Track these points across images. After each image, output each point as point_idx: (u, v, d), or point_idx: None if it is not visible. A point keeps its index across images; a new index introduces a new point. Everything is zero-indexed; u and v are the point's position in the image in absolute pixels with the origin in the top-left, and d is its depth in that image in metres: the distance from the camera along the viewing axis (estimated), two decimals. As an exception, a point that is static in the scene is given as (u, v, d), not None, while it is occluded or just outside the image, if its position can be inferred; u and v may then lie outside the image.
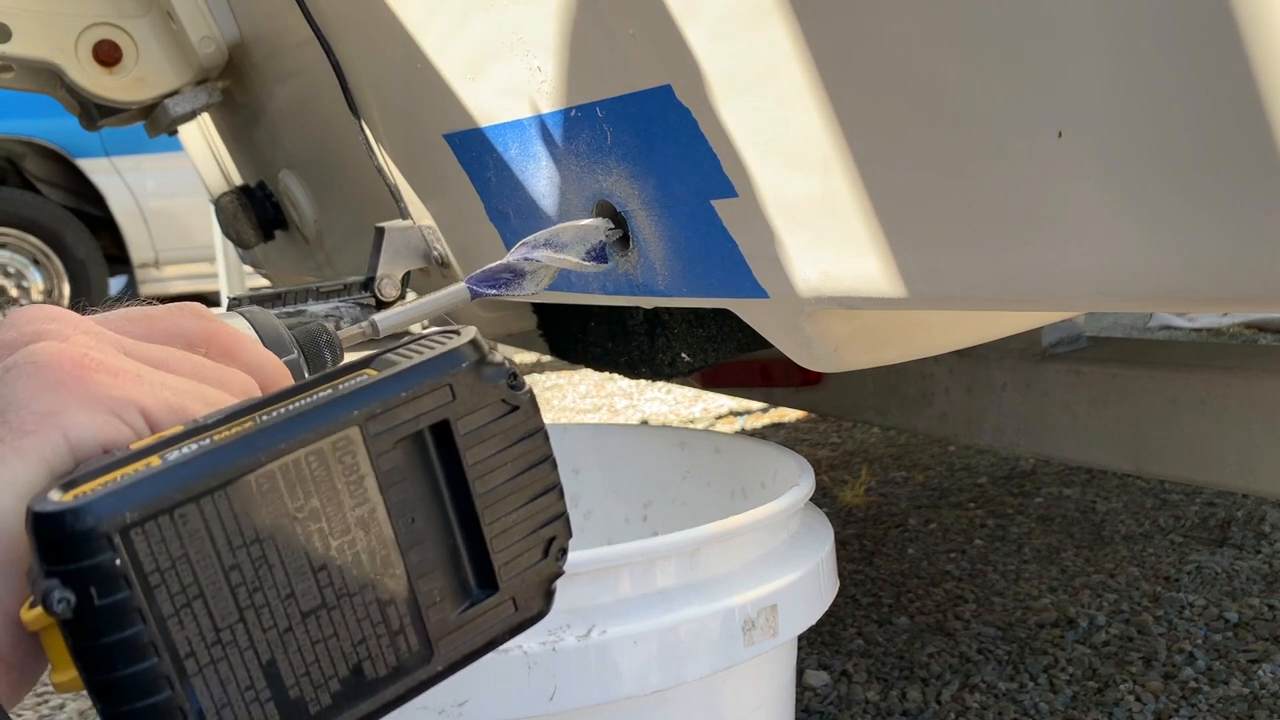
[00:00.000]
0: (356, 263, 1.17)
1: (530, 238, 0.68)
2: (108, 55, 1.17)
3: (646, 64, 0.65)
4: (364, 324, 0.59)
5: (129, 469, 0.30)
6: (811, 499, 0.78)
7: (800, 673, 1.31)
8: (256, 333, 0.46)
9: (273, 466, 0.31)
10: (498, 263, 0.67)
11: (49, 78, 1.19)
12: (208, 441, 0.31)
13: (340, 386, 0.34)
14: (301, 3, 0.95)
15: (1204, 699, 1.20)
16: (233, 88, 1.28)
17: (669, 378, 1.21)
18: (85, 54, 1.17)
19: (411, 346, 0.36)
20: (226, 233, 1.42)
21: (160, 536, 0.29)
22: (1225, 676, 1.25)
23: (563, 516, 0.38)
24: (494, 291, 0.67)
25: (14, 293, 3.98)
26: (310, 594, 0.32)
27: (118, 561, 0.29)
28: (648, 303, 0.85)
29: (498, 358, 0.36)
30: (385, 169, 1.00)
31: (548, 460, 0.37)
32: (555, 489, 0.37)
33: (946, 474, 2.04)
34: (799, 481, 0.75)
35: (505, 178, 0.84)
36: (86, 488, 0.29)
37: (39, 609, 0.29)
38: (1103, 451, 1.11)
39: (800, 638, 1.39)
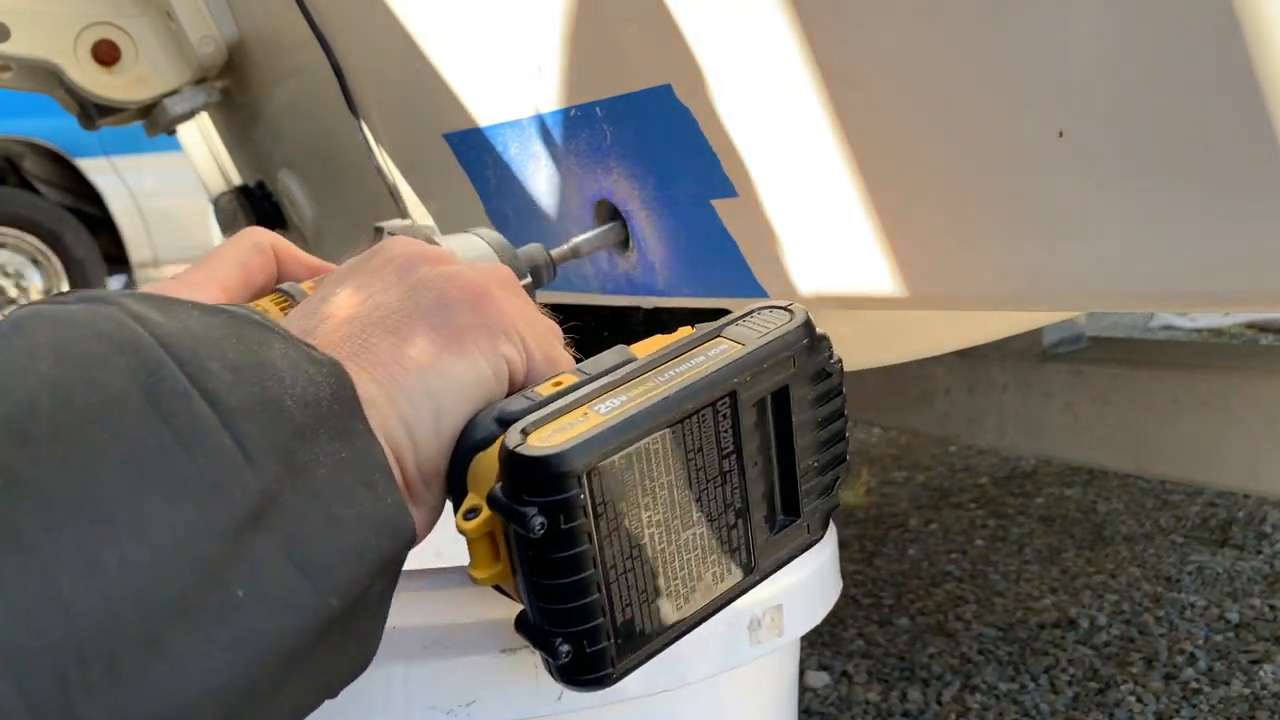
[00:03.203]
0: (356, 263, 1.17)
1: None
2: (107, 55, 1.17)
3: (646, 64, 0.65)
4: (567, 247, 0.71)
5: (570, 417, 0.38)
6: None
7: (801, 673, 1.31)
8: (496, 254, 0.55)
9: (679, 425, 0.39)
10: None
11: (48, 77, 1.18)
12: (626, 399, 0.38)
13: (714, 358, 0.41)
14: (301, 2, 0.95)
15: (1205, 699, 1.20)
16: (232, 87, 1.28)
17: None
18: (84, 53, 1.17)
19: (754, 321, 0.43)
20: (226, 232, 1.42)
21: (605, 477, 0.37)
22: (1226, 677, 1.24)
23: (845, 460, 0.45)
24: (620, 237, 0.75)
25: (13, 292, 3.98)
26: (689, 520, 0.40)
27: (581, 496, 0.36)
28: (648, 303, 0.84)
29: (822, 333, 0.43)
30: (385, 169, 1.00)
31: (844, 415, 0.45)
32: (845, 439, 0.45)
33: (947, 474, 2.03)
34: None
35: (505, 177, 0.84)
36: (544, 431, 0.37)
37: (477, 520, 0.37)
38: (1104, 452, 1.11)
39: (801, 638, 1.39)
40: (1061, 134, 0.47)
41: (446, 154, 0.90)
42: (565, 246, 0.71)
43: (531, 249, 0.62)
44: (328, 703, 0.34)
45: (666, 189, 0.69)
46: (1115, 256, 0.48)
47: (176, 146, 1.69)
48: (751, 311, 0.44)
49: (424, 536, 0.39)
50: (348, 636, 0.33)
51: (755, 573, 0.43)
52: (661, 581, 0.39)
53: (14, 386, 0.27)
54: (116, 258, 4.21)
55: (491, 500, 0.37)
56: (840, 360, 0.44)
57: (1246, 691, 1.21)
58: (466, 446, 0.39)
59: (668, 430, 0.38)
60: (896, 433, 2.24)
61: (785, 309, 0.43)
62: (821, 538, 0.45)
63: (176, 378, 0.29)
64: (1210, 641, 1.33)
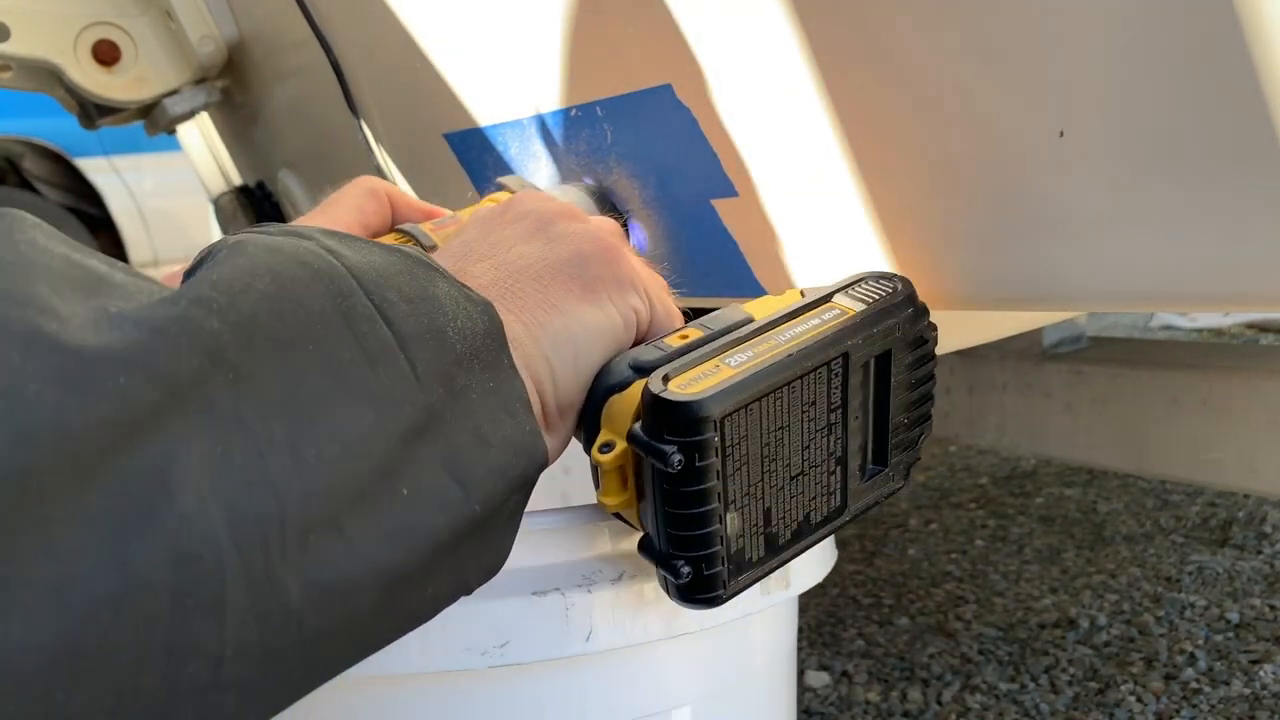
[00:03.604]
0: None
1: None
2: (107, 54, 1.17)
3: (646, 63, 0.65)
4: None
5: (706, 368, 0.42)
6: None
7: (801, 673, 1.31)
8: (596, 207, 0.63)
9: (800, 377, 0.43)
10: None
11: (48, 77, 1.18)
12: (752, 354, 0.42)
13: (828, 322, 0.44)
14: (301, 2, 0.95)
15: (1205, 700, 1.20)
16: (231, 87, 1.28)
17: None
18: (84, 53, 1.17)
19: (863, 289, 0.46)
20: (225, 232, 1.42)
21: (735, 423, 0.41)
22: (1227, 677, 1.24)
23: (930, 419, 0.50)
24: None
25: (14, 292, 3.97)
26: (797, 464, 0.44)
27: (715, 439, 0.40)
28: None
29: (924, 302, 0.47)
30: (385, 168, 1.00)
31: (934, 379, 0.49)
32: (932, 400, 0.49)
33: (947, 474, 2.03)
34: None
35: (505, 177, 0.84)
36: (682, 379, 0.41)
37: (612, 454, 0.42)
38: (1104, 452, 1.11)
39: (801, 638, 1.39)
40: (1062, 134, 0.47)
41: (446, 154, 0.90)
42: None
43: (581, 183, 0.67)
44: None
45: (666, 189, 0.69)
46: (1115, 256, 0.48)
47: (176, 146, 1.69)
48: (860, 279, 0.47)
49: (554, 461, 0.43)
50: (486, 540, 0.37)
51: (846, 513, 0.47)
52: (771, 516, 0.44)
53: (241, 300, 0.31)
54: (116, 257, 4.20)
55: (632, 437, 0.41)
56: (936, 328, 0.48)
57: (1247, 691, 1.21)
58: (602, 388, 0.43)
59: (788, 385, 0.42)
60: (896, 433, 2.23)
61: (891, 278, 0.47)
62: (903, 487, 0.50)
63: (365, 304, 0.33)
64: (1210, 641, 1.33)
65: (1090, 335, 1.20)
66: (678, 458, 0.40)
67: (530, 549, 0.49)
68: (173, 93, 1.20)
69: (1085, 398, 1.11)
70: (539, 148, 0.78)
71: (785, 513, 0.45)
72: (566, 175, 0.77)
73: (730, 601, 0.44)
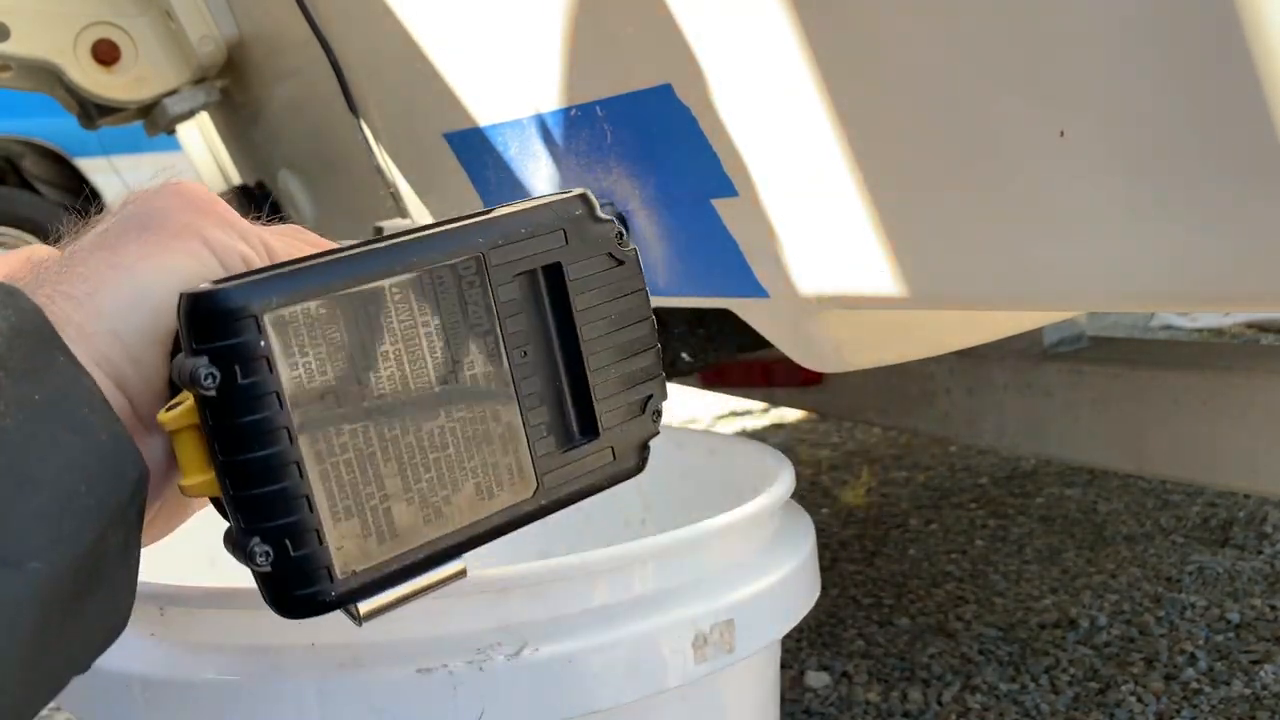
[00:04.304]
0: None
1: None
2: (106, 54, 1.17)
3: (646, 63, 0.65)
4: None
5: (276, 272, 0.32)
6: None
7: (801, 674, 1.31)
8: None
9: (404, 278, 0.33)
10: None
11: (48, 77, 1.18)
12: (345, 253, 0.33)
13: (464, 221, 0.36)
14: (301, 2, 0.95)
15: (1206, 700, 1.20)
16: (231, 87, 1.28)
17: (669, 378, 1.21)
18: (84, 53, 1.17)
19: (529, 201, 0.38)
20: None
21: (300, 328, 0.31)
22: (1227, 677, 1.24)
23: (659, 377, 0.40)
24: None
25: (13, 292, 3.98)
26: (430, 406, 0.34)
27: (262, 343, 0.30)
28: (648, 302, 0.84)
29: (607, 215, 0.38)
30: (385, 169, 1.00)
31: (648, 320, 0.39)
32: (653, 349, 0.40)
33: (948, 474, 2.03)
34: (767, 488, 0.70)
35: (505, 177, 0.84)
36: (236, 283, 0.31)
37: (177, 411, 0.31)
38: (1104, 452, 1.10)
39: (801, 638, 1.39)
40: (1062, 134, 0.47)
41: (446, 154, 0.90)
42: None
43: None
44: None
45: (666, 189, 0.69)
46: (1115, 256, 0.48)
47: (176, 146, 1.69)
48: (536, 197, 0.39)
49: (171, 472, 0.33)
50: (88, 602, 0.28)
51: (539, 495, 0.36)
52: (399, 481, 0.33)
53: None
54: (116, 257, 4.20)
55: (174, 368, 0.31)
56: (634, 249, 0.39)
57: (1247, 692, 1.21)
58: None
59: (385, 284, 0.33)
60: (896, 433, 2.24)
61: (567, 191, 0.39)
62: (636, 469, 0.39)
63: None
64: (1211, 642, 1.33)
65: (1090, 335, 1.20)
66: (208, 372, 0.30)
67: (414, 620, 0.42)
68: (172, 92, 1.20)
69: (1085, 398, 1.11)
70: (539, 148, 0.78)
71: (427, 478, 0.33)
72: (565, 177, 0.77)
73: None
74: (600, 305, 0.38)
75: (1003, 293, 0.55)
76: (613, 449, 0.38)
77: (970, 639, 1.37)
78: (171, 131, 1.35)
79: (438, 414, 0.34)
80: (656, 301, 0.82)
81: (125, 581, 0.30)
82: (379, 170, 1.00)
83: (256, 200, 1.36)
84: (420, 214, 1.00)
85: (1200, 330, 2.97)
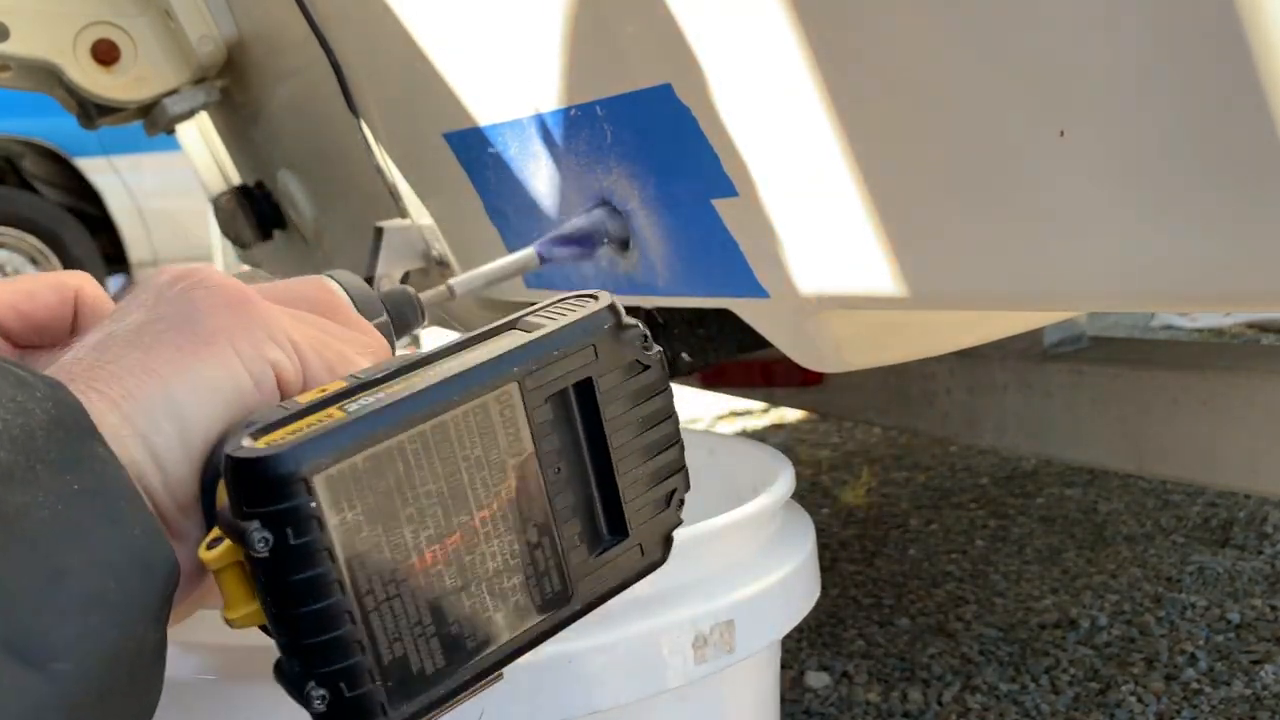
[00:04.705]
0: (355, 262, 1.17)
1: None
2: (106, 54, 1.17)
3: (646, 63, 0.65)
4: (442, 287, 0.65)
5: (314, 419, 0.32)
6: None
7: (801, 674, 1.31)
8: (349, 295, 0.47)
9: (445, 418, 0.33)
10: (572, 222, 0.68)
11: (47, 77, 1.18)
12: (383, 395, 0.33)
13: (496, 346, 0.36)
14: (301, 2, 0.95)
15: (1206, 700, 1.20)
16: (231, 87, 1.28)
17: (669, 378, 1.21)
18: (84, 53, 1.16)
19: (553, 309, 0.38)
20: (225, 232, 1.42)
21: (348, 482, 0.31)
22: (1227, 678, 1.24)
23: (683, 470, 0.40)
24: (566, 252, 0.69)
25: (13, 292, 3.98)
26: (471, 535, 0.34)
27: (312, 505, 0.31)
28: (648, 303, 0.84)
29: (632, 320, 0.39)
30: (385, 168, 1.00)
31: (673, 416, 0.40)
32: (677, 445, 0.40)
33: (948, 474, 2.03)
34: (767, 488, 0.70)
35: (505, 177, 0.84)
36: (276, 435, 0.31)
37: (220, 550, 0.32)
38: (1104, 452, 1.10)
39: (801, 638, 1.39)
40: (1062, 134, 0.47)
41: (446, 154, 0.90)
42: (442, 286, 0.66)
43: (396, 290, 0.55)
44: None
45: (666, 189, 0.69)
46: (1115, 256, 0.48)
47: (176, 146, 1.69)
48: (557, 300, 0.39)
49: (197, 575, 0.34)
50: (114, 701, 0.27)
51: (574, 600, 0.37)
52: (443, 612, 0.34)
53: None
54: (116, 257, 4.20)
55: (221, 521, 0.32)
56: (659, 351, 0.39)
57: (1247, 692, 1.21)
58: (214, 465, 0.33)
59: (427, 426, 0.33)
60: (896, 433, 2.23)
61: (591, 295, 0.39)
62: (662, 560, 0.40)
63: None
64: (1211, 642, 1.33)
65: (1090, 335, 1.20)
66: (261, 536, 0.30)
67: None
68: (172, 92, 1.20)
69: (1085, 398, 1.11)
70: (539, 148, 0.78)
71: (468, 605, 0.34)
72: (565, 177, 0.77)
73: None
74: (628, 411, 0.38)
75: (1003, 293, 0.55)
76: (640, 545, 0.39)
77: (970, 639, 1.37)
78: (171, 131, 1.35)
79: (477, 543, 0.34)
80: (657, 302, 0.82)
81: (154, 680, 0.30)
82: (379, 170, 1.00)
83: (256, 200, 1.36)
84: (421, 214, 1.00)
85: (1200, 330, 2.97)
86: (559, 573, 0.37)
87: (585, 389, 0.37)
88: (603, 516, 0.38)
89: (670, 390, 0.40)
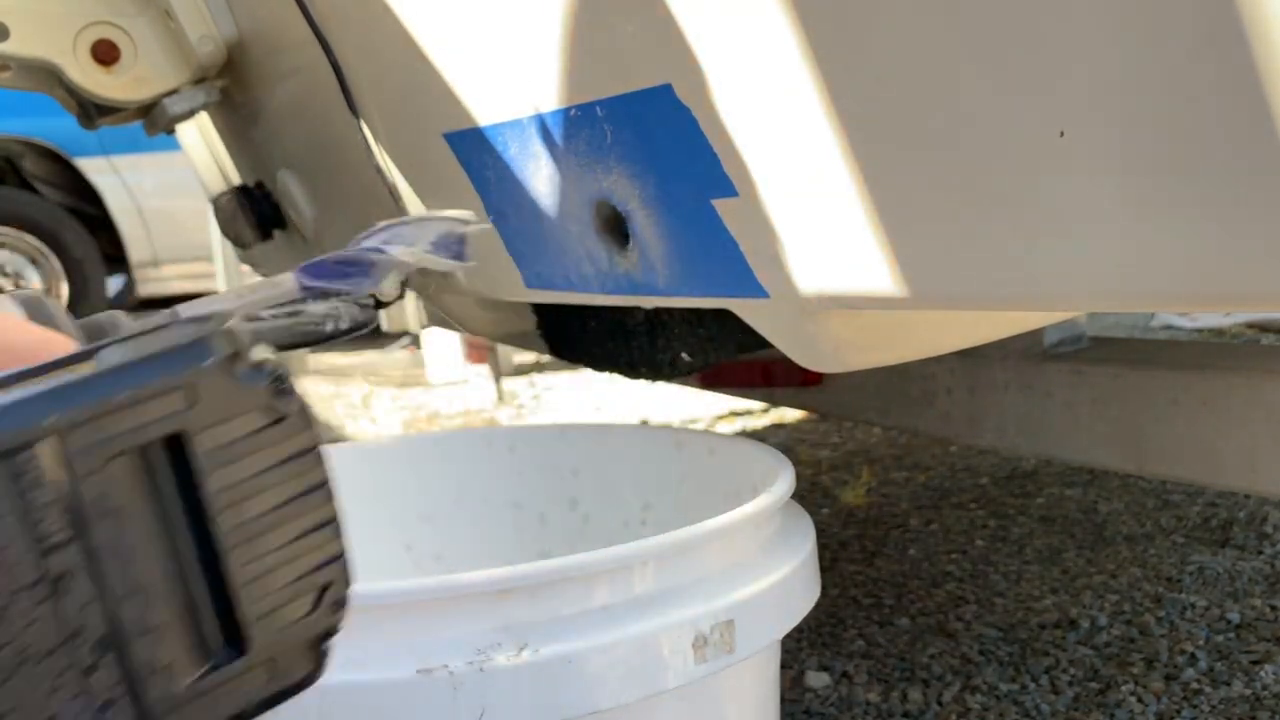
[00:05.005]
0: (355, 262, 1.17)
1: (380, 225, 0.63)
2: (106, 54, 1.17)
3: (646, 63, 0.65)
4: (165, 313, 0.54)
5: None
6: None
7: (801, 674, 1.31)
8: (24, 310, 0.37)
9: None
10: (335, 253, 0.61)
11: (47, 77, 1.18)
12: None
13: (32, 386, 0.26)
14: (301, 2, 0.95)
15: (1206, 700, 1.20)
16: (231, 87, 1.28)
17: (669, 378, 1.21)
18: (83, 53, 1.16)
19: (147, 336, 0.28)
20: (225, 232, 1.41)
21: None
22: (1227, 678, 1.24)
23: (340, 559, 0.30)
24: (324, 284, 0.62)
25: (13, 292, 3.98)
26: None
27: None
28: (648, 303, 0.84)
29: (257, 354, 0.29)
30: (384, 168, 1.00)
31: (322, 487, 0.30)
32: (331, 524, 0.30)
33: (948, 474, 2.03)
34: (767, 488, 0.70)
35: (505, 177, 0.84)
36: None
37: None
38: (1104, 452, 1.10)
39: (801, 638, 1.39)
40: (1062, 134, 0.47)
41: (446, 154, 0.90)
42: (162, 313, 0.58)
43: (100, 316, 0.43)
44: None
45: (666, 189, 0.69)
46: (1115, 256, 0.48)
47: (176, 146, 1.69)
48: (166, 324, 0.30)
49: None
50: None
51: None
52: None
53: None
54: (115, 257, 4.21)
55: None
56: (301, 399, 0.29)
57: (1247, 692, 1.21)
58: None
59: None
60: (896, 433, 2.23)
61: (195, 321, 0.30)
62: (311, 678, 0.30)
63: None
64: (1211, 642, 1.33)
65: (1090, 335, 1.20)
66: None
67: (413, 621, 0.41)
68: (172, 92, 1.20)
69: (1085, 398, 1.11)
70: (539, 148, 0.78)
71: None
72: (565, 177, 0.77)
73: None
74: (252, 479, 0.28)
75: (1003, 293, 0.55)
76: (273, 660, 0.29)
77: (970, 639, 1.37)
78: (171, 131, 1.35)
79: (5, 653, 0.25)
80: (657, 301, 0.82)
81: None
82: (379, 170, 1.00)
83: (256, 200, 1.36)
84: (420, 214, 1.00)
85: (1200, 330, 2.97)
86: (132, 706, 0.27)
87: (176, 447, 0.28)
88: (214, 624, 0.28)
89: (318, 452, 0.30)
